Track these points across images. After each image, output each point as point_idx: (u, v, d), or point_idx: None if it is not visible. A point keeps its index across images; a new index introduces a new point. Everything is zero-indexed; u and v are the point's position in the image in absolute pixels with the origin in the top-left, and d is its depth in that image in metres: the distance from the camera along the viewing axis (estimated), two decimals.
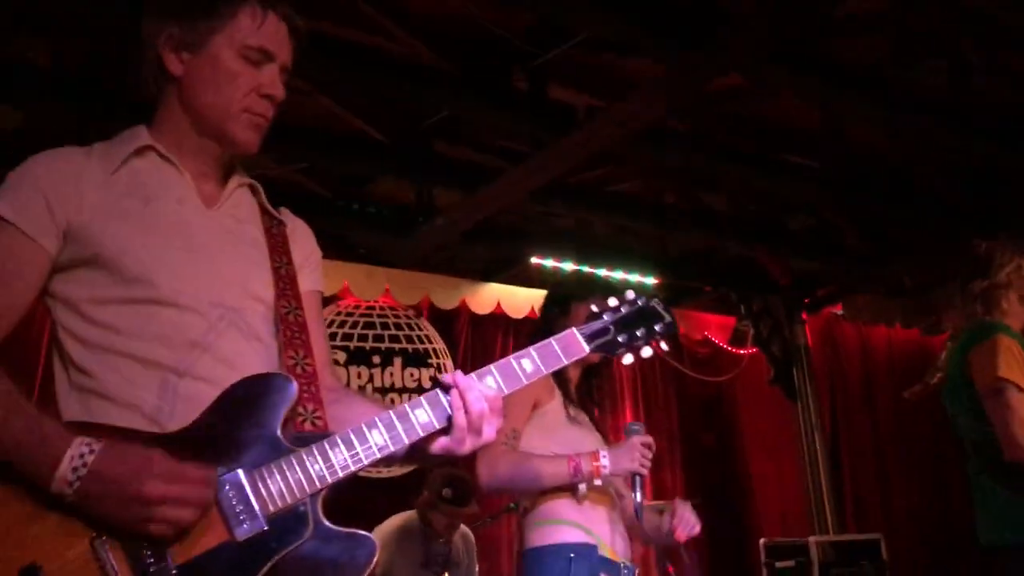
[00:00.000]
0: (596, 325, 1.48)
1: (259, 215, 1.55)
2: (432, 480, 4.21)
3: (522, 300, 5.47)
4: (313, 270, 1.59)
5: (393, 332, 5.13)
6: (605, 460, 2.21)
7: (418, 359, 5.15)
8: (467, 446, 1.33)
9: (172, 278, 1.35)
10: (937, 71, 3.79)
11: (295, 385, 1.31)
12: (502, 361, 1.38)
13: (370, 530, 3.76)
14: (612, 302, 1.51)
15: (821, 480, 5.73)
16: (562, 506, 2.27)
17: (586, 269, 5.30)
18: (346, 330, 5.00)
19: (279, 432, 1.27)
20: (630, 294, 1.52)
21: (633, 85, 3.64)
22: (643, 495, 2.23)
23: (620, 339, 1.48)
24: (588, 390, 2.57)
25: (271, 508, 1.22)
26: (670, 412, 6.22)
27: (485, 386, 1.34)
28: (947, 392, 2.81)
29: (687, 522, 2.41)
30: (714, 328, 6.39)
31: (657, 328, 1.50)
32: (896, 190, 4.81)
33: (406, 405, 1.33)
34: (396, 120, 4.07)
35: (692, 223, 5.12)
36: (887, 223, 5.25)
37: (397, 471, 4.92)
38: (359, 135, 4.06)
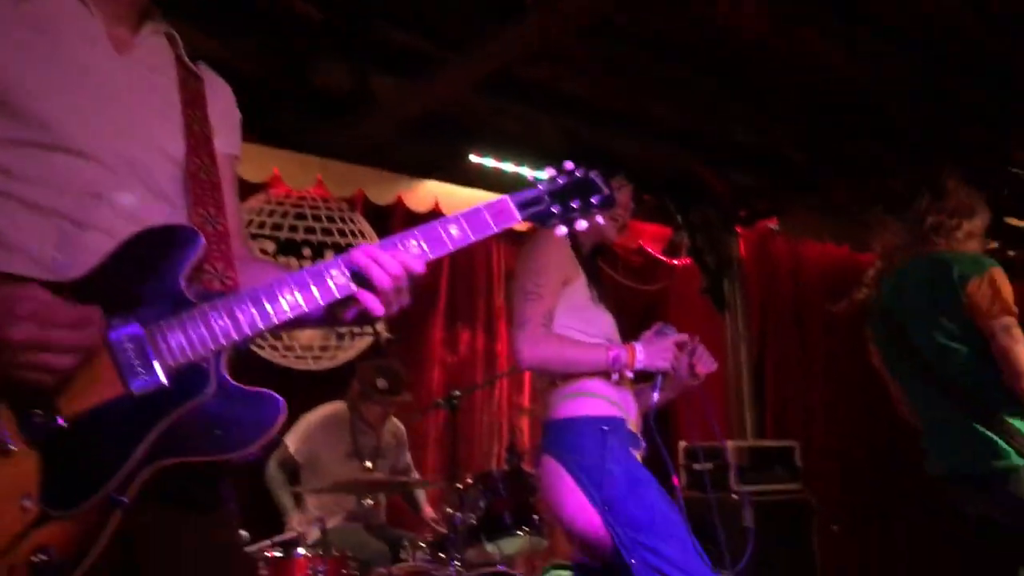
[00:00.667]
0: (530, 193, 1.42)
1: (174, 66, 1.45)
2: (363, 373, 4.20)
3: (461, 199, 5.36)
4: (230, 133, 1.51)
5: (325, 225, 5.00)
6: (641, 355, 2.31)
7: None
8: (382, 309, 1.28)
9: (74, 123, 1.25)
10: None
11: (202, 239, 1.24)
12: (427, 225, 1.33)
13: (295, 419, 3.74)
14: (549, 171, 1.46)
15: (744, 389, 5.86)
16: (595, 382, 2.35)
17: (526, 171, 5.22)
18: (275, 220, 4.86)
19: (183, 286, 1.20)
20: (568, 164, 1.47)
21: None
22: (660, 394, 2.38)
23: (554, 210, 1.43)
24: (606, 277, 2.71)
25: (170, 363, 1.16)
26: None
27: (408, 249, 1.29)
28: (920, 323, 2.82)
29: (706, 358, 2.50)
30: (649, 237, 6.39)
31: (594, 200, 1.45)
32: (841, 108, 4.80)
33: (321, 264, 1.27)
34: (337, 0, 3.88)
35: (636, 130, 5.05)
36: (829, 140, 5.25)
37: (327, 362, 4.87)
38: (298, 14, 3.86)
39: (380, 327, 5.05)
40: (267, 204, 4.85)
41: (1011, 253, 6.70)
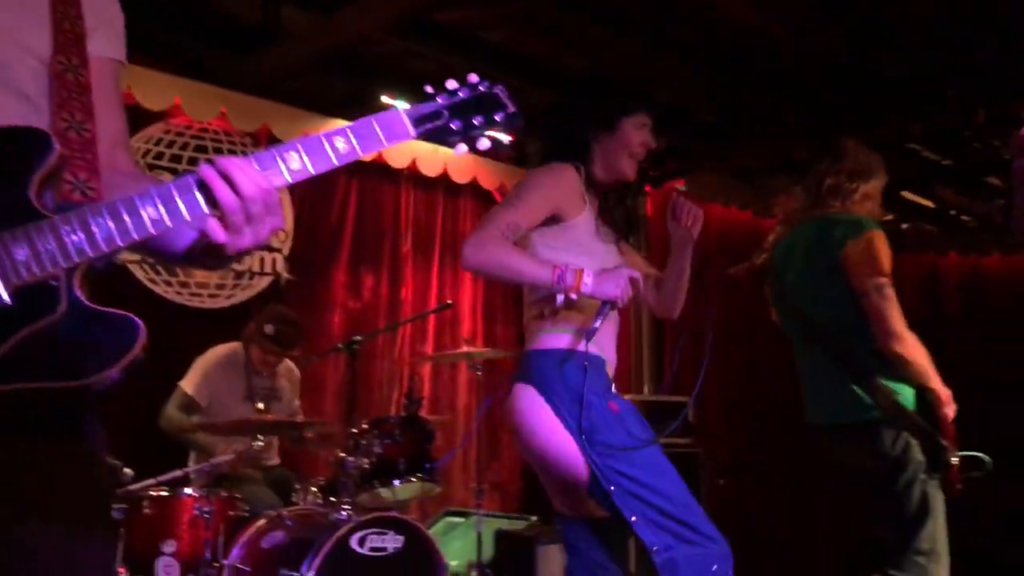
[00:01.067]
0: (427, 107, 1.29)
1: None
2: (261, 314, 4.11)
3: None
4: (110, 35, 1.38)
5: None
6: (588, 279, 2.22)
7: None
8: (224, 236, 1.14)
9: None
10: None
11: (56, 145, 1.13)
12: (311, 138, 1.19)
13: (192, 360, 3.65)
14: (450, 84, 1.32)
15: (643, 344, 5.98)
16: (577, 321, 2.35)
17: None
18: (175, 151, 4.66)
19: (31, 195, 1.09)
20: (472, 77, 1.34)
21: None
22: (602, 323, 2.29)
23: (453, 126, 1.29)
24: (622, 214, 2.64)
25: (14, 280, 1.05)
26: None
27: (287, 162, 1.17)
28: (800, 280, 2.90)
29: (691, 209, 2.65)
30: None
31: (497, 117, 1.33)
32: (754, 73, 4.87)
33: (188, 176, 1.14)
34: None
35: (551, 81, 5.01)
36: (739, 105, 5.32)
37: (223, 301, 4.74)
38: None
39: (280, 268, 4.94)
40: (166, 134, 4.65)
41: (904, 226, 6.97)
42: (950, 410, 2.69)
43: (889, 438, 2.67)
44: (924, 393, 2.68)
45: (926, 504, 2.63)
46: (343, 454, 3.45)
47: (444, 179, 5.66)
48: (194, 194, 1.13)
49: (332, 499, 3.45)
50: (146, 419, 4.18)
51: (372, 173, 5.39)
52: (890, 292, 2.67)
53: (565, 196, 2.38)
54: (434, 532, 4.77)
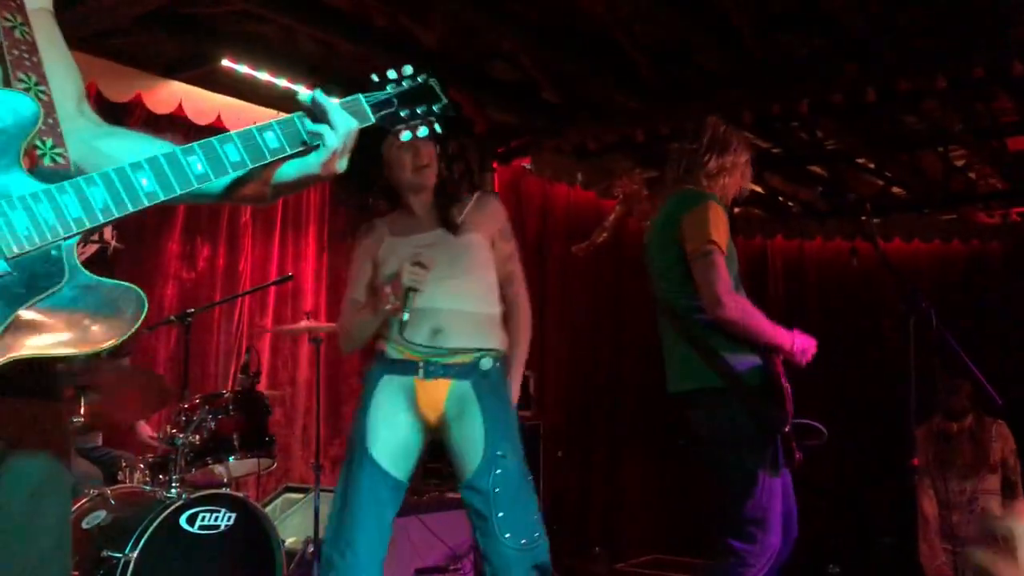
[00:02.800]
0: (382, 95, 1.40)
1: None
2: None
3: (208, 105, 5.03)
4: None
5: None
6: (386, 279, 2.55)
7: None
8: (314, 180, 1.40)
9: None
10: None
11: (39, 106, 1.11)
12: (286, 118, 1.36)
13: None
14: (391, 74, 1.43)
15: None
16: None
17: (283, 82, 4.98)
18: None
19: (23, 164, 1.08)
20: (408, 69, 1.45)
21: None
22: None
23: (403, 114, 1.42)
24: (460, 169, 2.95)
25: (15, 249, 1.03)
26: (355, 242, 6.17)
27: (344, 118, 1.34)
28: (652, 255, 2.97)
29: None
30: None
31: (436, 108, 1.45)
32: (596, 54, 4.97)
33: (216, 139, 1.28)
34: None
35: (399, 52, 4.94)
36: (582, 85, 5.43)
37: None
38: None
39: (108, 236, 4.67)
40: None
41: (736, 211, 7.33)
42: (803, 358, 2.76)
43: (722, 406, 2.74)
44: (766, 358, 2.74)
45: (754, 473, 2.70)
46: (173, 430, 3.33)
47: None
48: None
49: (161, 476, 3.32)
50: None
51: (208, 136, 5.16)
52: (715, 259, 2.71)
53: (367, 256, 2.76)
54: (273, 508, 4.68)
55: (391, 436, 2.52)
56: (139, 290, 1.14)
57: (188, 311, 3.83)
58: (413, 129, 1.44)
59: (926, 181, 6.50)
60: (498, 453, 2.51)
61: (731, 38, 4.63)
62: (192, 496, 3.06)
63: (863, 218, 5.48)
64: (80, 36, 4.38)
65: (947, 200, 6.57)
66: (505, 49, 5.07)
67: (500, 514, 2.44)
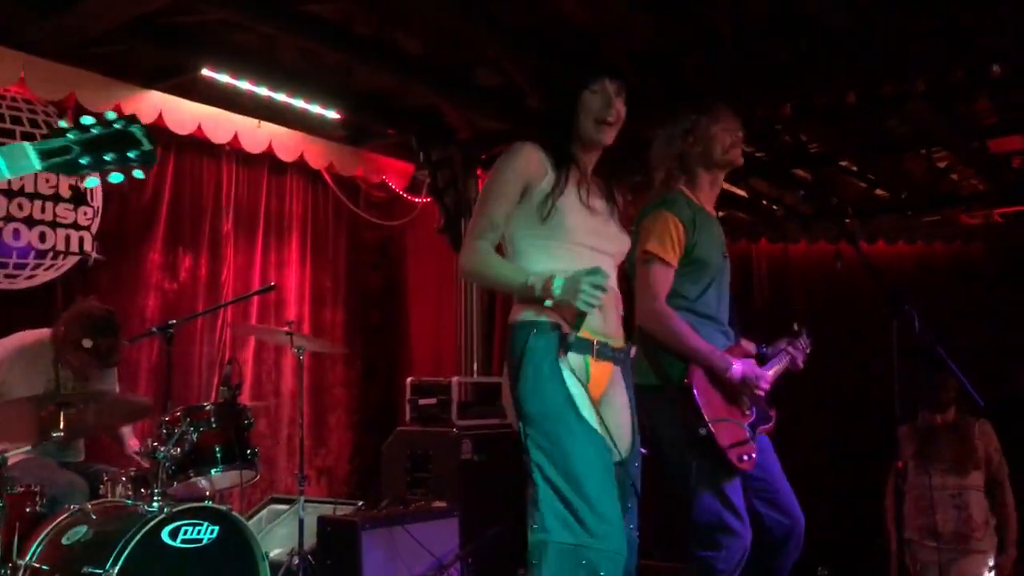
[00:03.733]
0: (55, 142, 1.41)
1: None
2: (71, 320, 3.73)
3: (188, 114, 5.01)
4: None
5: (27, 129, 4.46)
6: (557, 289, 2.20)
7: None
8: None
9: None
10: None
11: None
12: None
13: None
14: (86, 120, 1.45)
15: (473, 327, 6.02)
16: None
17: (264, 91, 4.96)
18: None
19: None
20: (110, 114, 1.47)
21: None
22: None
23: (83, 161, 1.43)
24: (612, 171, 2.55)
25: None
26: (339, 251, 6.15)
27: None
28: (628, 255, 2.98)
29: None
30: (392, 173, 6.34)
31: (131, 155, 1.47)
32: (580, 57, 4.95)
33: None
34: None
35: (382, 60, 4.93)
36: (567, 90, 5.41)
37: (23, 282, 4.40)
38: None
39: (88, 247, 4.64)
40: None
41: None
42: (737, 380, 2.74)
43: (659, 407, 2.73)
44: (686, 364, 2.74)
45: (690, 476, 2.69)
46: (155, 443, 3.29)
47: (269, 156, 5.47)
48: None
49: (143, 490, 3.28)
50: None
51: (190, 148, 5.15)
52: (648, 269, 2.74)
53: (532, 166, 2.35)
54: (258, 520, 4.64)
55: (591, 413, 2.30)
56: None
57: (170, 322, 3.79)
58: (102, 175, 1.46)
59: (909, 183, 6.52)
60: (640, 449, 2.47)
61: (713, 43, 4.63)
62: (174, 510, 3.03)
63: (846, 221, 5.49)
64: (60, 47, 4.36)
65: (930, 202, 6.59)
66: (489, 55, 5.06)
67: (630, 504, 2.40)
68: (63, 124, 1.40)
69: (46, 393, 3.51)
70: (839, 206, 6.67)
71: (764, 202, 7.33)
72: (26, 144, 1.35)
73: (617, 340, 2.39)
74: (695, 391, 2.69)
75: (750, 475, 2.84)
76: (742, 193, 6.88)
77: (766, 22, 4.49)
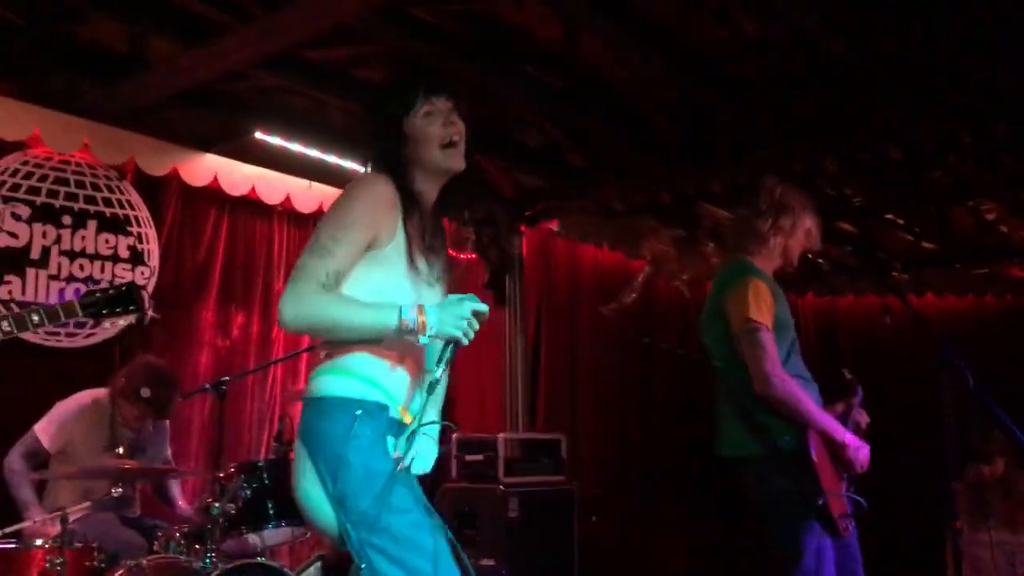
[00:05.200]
0: (93, 299, 2.25)
1: None
2: (132, 372, 3.89)
3: (242, 176, 5.16)
4: None
5: (89, 192, 4.64)
6: (433, 318, 1.92)
7: (116, 225, 4.71)
8: None
9: None
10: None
11: None
12: (19, 313, 2.15)
13: (50, 404, 3.44)
14: (107, 286, 2.14)
15: (518, 382, 6.04)
16: (360, 360, 2.01)
17: (314, 152, 5.10)
18: (33, 183, 4.45)
19: None
20: (123, 283, 2.18)
21: None
22: (447, 367, 1.97)
23: (104, 311, 2.19)
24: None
25: None
26: None
27: None
28: (703, 324, 3.03)
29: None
30: None
31: (130, 308, 2.28)
32: (618, 116, 5.05)
33: None
34: None
35: (365, 110, 5.04)
36: (605, 147, 5.51)
37: (82, 341, 4.53)
38: None
39: (146, 304, 4.77)
40: (23, 165, 4.44)
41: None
42: (850, 453, 2.79)
43: (766, 476, 2.79)
44: (803, 432, 2.75)
45: (797, 543, 2.71)
46: (209, 499, 3.34)
47: (319, 216, 5.59)
48: None
49: (197, 546, 3.33)
50: None
51: (244, 208, 5.29)
52: (758, 337, 2.78)
53: (381, 215, 2.03)
54: None
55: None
56: None
57: (223, 379, 3.87)
58: (113, 320, 1.98)
59: (957, 235, 6.47)
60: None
61: (752, 98, 4.69)
62: (227, 566, 3.07)
63: (893, 274, 5.45)
64: (120, 113, 4.55)
65: (979, 254, 6.52)
66: (528, 117, 5.17)
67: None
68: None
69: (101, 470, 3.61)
70: (886, 259, 6.63)
71: (809, 255, 7.29)
72: (75, 301, 2.18)
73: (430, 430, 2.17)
74: (815, 460, 2.70)
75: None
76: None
77: (804, 74, 4.54)
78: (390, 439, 2.03)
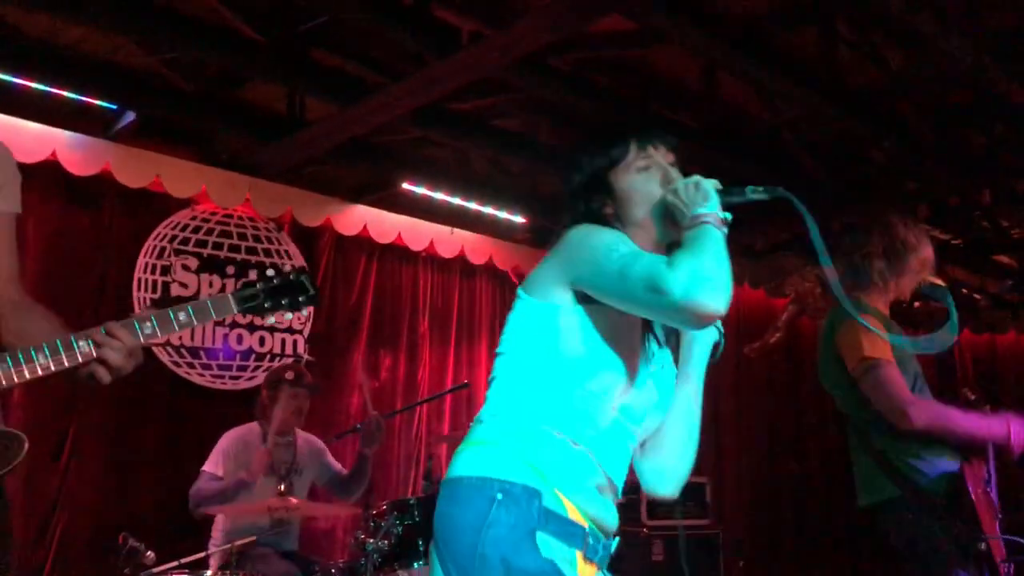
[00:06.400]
0: (249, 291, 1.82)
1: None
2: (268, 377, 4.16)
3: (389, 224, 5.40)
4: (8, 194, 1.80)
5: (251, 244, 4.96)
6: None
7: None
8: (109, 377, 1.68)
9: None
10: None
11: None
12: (162, 311, 1.73)
13: (215, 441, 3.66)
14: (269, 272, 1.84)
15: None
16: (515, 434, 1.60)
17: (456, 200, 5.29)
18: (200, 236, 4.80)
19: None
20: (287, 267, 1.88)
21: (519, 14, 3.61)
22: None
23: (267, 305, 1.82)
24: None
25: None
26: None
27: (141, 329, 1.70)
28: (821, 369, 2.94)
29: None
30: None
31: (300, 299, 1.86)
32: (759, 153, 5.00)
33: (72, 336, 1.65)
34: (274, 20, 3.90)
35: (563, 166, 5.14)
36: (745, 184, 5.44)
37: (244, 383, 4.81)
38: (234, 31, 3.86)
39: (301, 349, 5.03)
40: (192, 220, 4.80)
41: (916, 304, 7.02)
42: (1016, 437, 2.59)
43: (911, 518, 2.63)
44: (958, 467, 2.60)
45: None
46: (362, 535, 3.47)
47: (461, 260, 5.77)
48: (74, 350, 1.66)
49: None
50: (167, 500, 4.21)
51: (391, 255, 5.51)
52: (882, 373, 2.62)
53: None
54: None
55: None
56: (21, 434, 1.62)
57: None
58: (278, 315, 1.85)
59: None
60: None
61: (903, 131, 4.55)
62: None
63: None
64: (278, 169, 4.85)
65: None
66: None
67: None
68: (252, 275, 1.85)
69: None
70: None
71: (964, 290, 6.96)
72: (229, 294, 1.79)
73: (610, 534, 1.65)
74: (972, 495, 2.54)
75: None
76: (939, 282, 6.57)
77: (956, 108, 4.39)
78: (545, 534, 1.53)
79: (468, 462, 1.60)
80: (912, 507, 2.62)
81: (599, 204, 1.77)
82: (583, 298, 1.63)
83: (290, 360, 4.96)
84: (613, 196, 1.76)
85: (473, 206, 5.38)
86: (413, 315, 5.60)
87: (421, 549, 3.58)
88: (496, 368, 1.72)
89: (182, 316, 1.73)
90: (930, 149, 4.60)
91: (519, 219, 5.69)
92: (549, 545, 1.51)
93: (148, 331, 1.70)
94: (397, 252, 5.52)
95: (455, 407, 5.67)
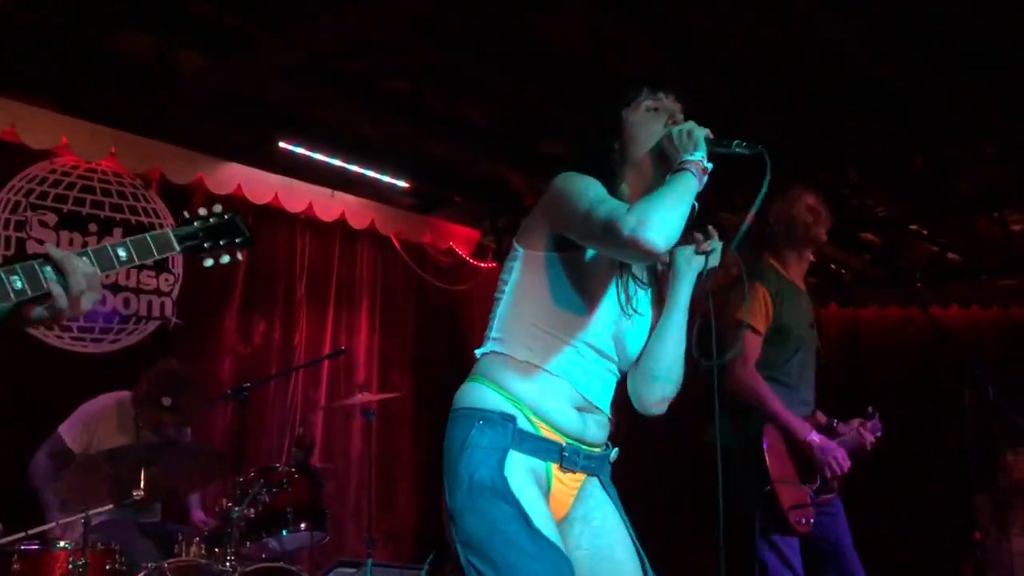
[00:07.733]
0: (188, 229, 1.70)
1: None
2: (152, 380, 3.90)
3: (265, 185, 5.22)
4: None
5: (115, 200, 4.71)
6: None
7: (141, 233, 4.77)
8: (63, 317, 1.51)
9: None
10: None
11: None
12: (99, 247, 1.56)
13: (74, 408, 3.47)
14: (202, 211, 1.73)
15: None
16: (499, 368, 1.86)
17: (337, 162, 5.15)
18: (60, 191, 4.53)
19: None
20: (218, 207, 1.76)
21: None
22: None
23: (206, 244, 1.71)
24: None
25: None
26: (407, 316, 6.26)
27: (82, 263, 1.50)
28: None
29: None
30: (459, 239, 6.47)
31: (237, 240, 1.76)
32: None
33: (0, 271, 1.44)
34: None
35: (450, 132, 5.09)
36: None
37: (107, 346, 4.59)
38: None
39: (169, 312, 4.83)
40: (51, 173, 4.52)
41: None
42: (817, 452, 2.83)
43: (734, 461, 2.84)
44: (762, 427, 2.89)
45: (753, 527, 2.83)
46: (228, 503, 3.37)
47: (341, 224, 5.65)
48: (6, 287, 1.44)
49: (217, 550, 3.36)
50: (17, 470, 3.99)
51: (266, 217, 5.34)
52: (744, 335, 2.91)
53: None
54: None
55: (551, 526, 1.78)
56: None
57: (244, 385, 3.90)
58: (215, 258, 1.74)
59: (982, 246, 6.41)
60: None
61: (778, 110, 4.67)
62: (246, 570, 3.10)
63: (917, 286, 5.41)
64: (146, 123, 4.61)
65: (1005, 266, 6.46)
66: (556, 125, 5.17)
67: None
68: (187, 214, 1.71)
69: (127, 447, 3.62)
70: (909, 271, 6.59)
71: (832, 266, 7.26)
72: (169, 230, 1.64)
73: (594, 446, 1.89)
74: (765, 450, 2.85)
75: (819, 540, 2.92)
76: (811, 257, 6.83)
77: (829, 87, 4.53)
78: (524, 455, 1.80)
79: (462, 395, 1.89)
80: (736, 452, 2.91)
81: (608, 141, 1.92)
82: (561, 243, 1.84)
83: (156, 323, 4.76)
84: (622, 135, 1.92)
85: (355, 168, 5.26)
86: (290, 279, 5.46)
87: (290, 517, 3.52)
88: (493, 310, 1.95)
89: (121, 252, 1.57)
90: (802, 127, 4.75)
91: (403, 183, 5.60)
92: (520, 461, 1.78)
93: (87, 268, 1.51)
94: (273, 213, 5.34)
95: (332, 374, 5.58)
